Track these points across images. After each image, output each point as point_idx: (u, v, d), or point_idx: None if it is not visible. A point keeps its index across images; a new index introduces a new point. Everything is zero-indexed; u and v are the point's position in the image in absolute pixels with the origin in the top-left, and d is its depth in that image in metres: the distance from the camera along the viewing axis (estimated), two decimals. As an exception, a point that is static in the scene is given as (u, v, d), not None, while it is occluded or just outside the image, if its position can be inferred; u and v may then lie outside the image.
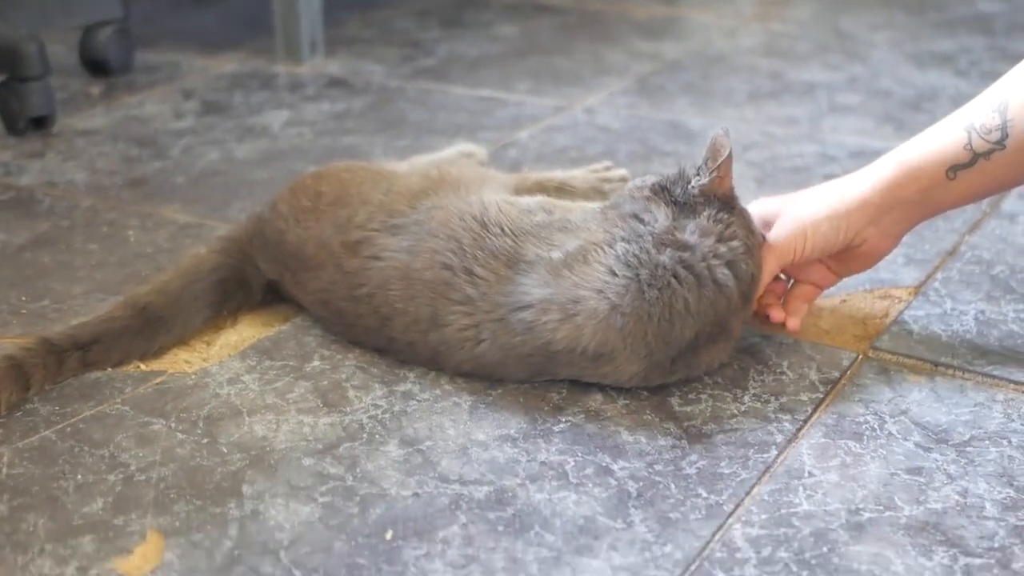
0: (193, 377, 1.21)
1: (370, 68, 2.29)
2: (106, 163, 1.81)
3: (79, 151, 1.86)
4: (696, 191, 1.16)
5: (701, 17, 2.66)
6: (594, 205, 1.24)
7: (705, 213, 1.15)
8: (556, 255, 1.15)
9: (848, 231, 1.19)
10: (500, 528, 0.98)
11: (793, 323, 1.24)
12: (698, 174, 1.17)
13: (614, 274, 1.12)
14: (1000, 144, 1.13)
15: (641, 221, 1.15)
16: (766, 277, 1.20)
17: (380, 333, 1.21)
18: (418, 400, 1.16)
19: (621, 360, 1.12)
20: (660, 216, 1.15)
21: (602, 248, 1.14)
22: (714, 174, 1.16)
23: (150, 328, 1.25)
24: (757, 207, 1.25)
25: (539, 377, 1.17)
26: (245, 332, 1.30)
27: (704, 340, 1.14)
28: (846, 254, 1.22)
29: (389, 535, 0.98)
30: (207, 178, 1.75)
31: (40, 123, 1.94)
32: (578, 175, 1.50)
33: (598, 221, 1.18)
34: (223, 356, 1.25)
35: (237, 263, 1.32)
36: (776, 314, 1.24)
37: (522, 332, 1.13)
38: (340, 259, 1.23)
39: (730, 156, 1.16)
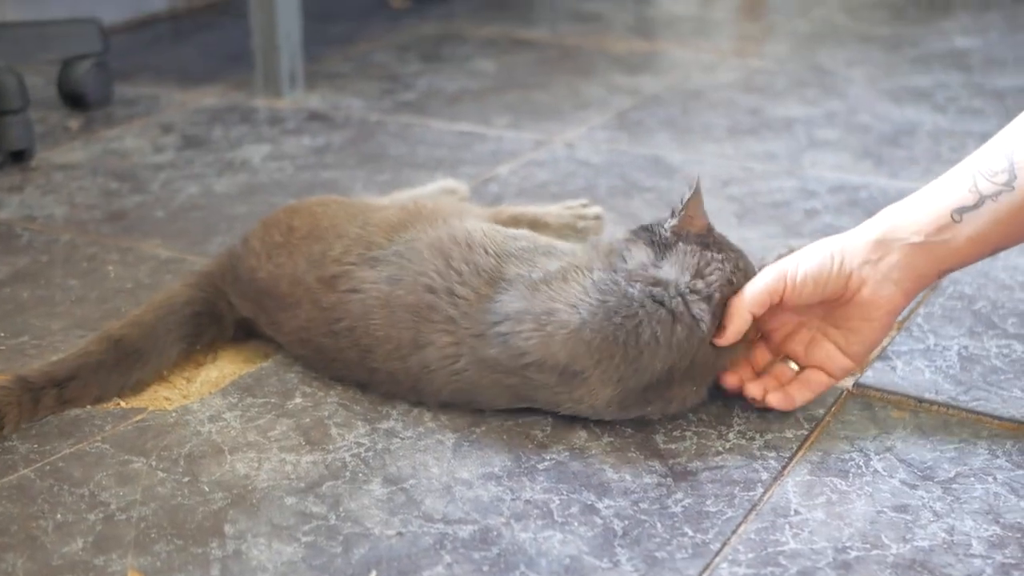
0: (174, 415, 1.20)
1: (349, 102, 2.29)
2: (85, 197, 1.80)
3: (58, 185, 1.86)
4: (668, 232, 1.16)
5: (679, 52, 2.67)
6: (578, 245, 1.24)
7: (682, 250, 1.15)
8: (536, 274, 1.16)
9: (844, 264, 1.14)
10: (485, 568, 0.97)
11: (783, 400, 1.18)
12: (672, 215, 1.17)
13: (588, 294, 1.13)
14: (1008, 186, 1.09)
15: (621, 258, 1.16)
16: (737, 317, 1.15)
17: (361, 365, 1.20)
18: (401, 438, 1.16)
19: (594, 381, 1.12)
20: (638, 255, 1.16)
21: (581, 271, 1.15)
22: (682, 213, 1.16)
23: (126, 361, 1.24)
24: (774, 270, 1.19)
25: (518, 403, 1.17)
26: (226, 368, 1.29)
27: (679, 375, 1.14)
28: (846, 309, 1.16)
29: (373, 575, 0.97)
30: (187, 212, 1.74)
31: (19, 157, 1.93)
32: (553, 211, 1.51)
33: (583, 250, 1.19)
34: (204, 393, 1.24)
35: (210, 297, 1.32)
36: (743, 386, 1.20)
37: (498, 345, 1.13)
38: (317, 295, 1.22)
39: (697, 193, 1.16)
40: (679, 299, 1.12)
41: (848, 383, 1.24)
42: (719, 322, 1.14)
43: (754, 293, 1.15)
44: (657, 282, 1.13)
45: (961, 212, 1.11)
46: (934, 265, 1.14)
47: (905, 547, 0.99)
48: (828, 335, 1.18)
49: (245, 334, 1.33)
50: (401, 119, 2.18)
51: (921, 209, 1.14)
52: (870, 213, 1.19)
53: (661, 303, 1.12)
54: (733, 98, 2.30)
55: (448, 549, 1.00)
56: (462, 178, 1.76)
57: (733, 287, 1.15)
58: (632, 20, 2.98)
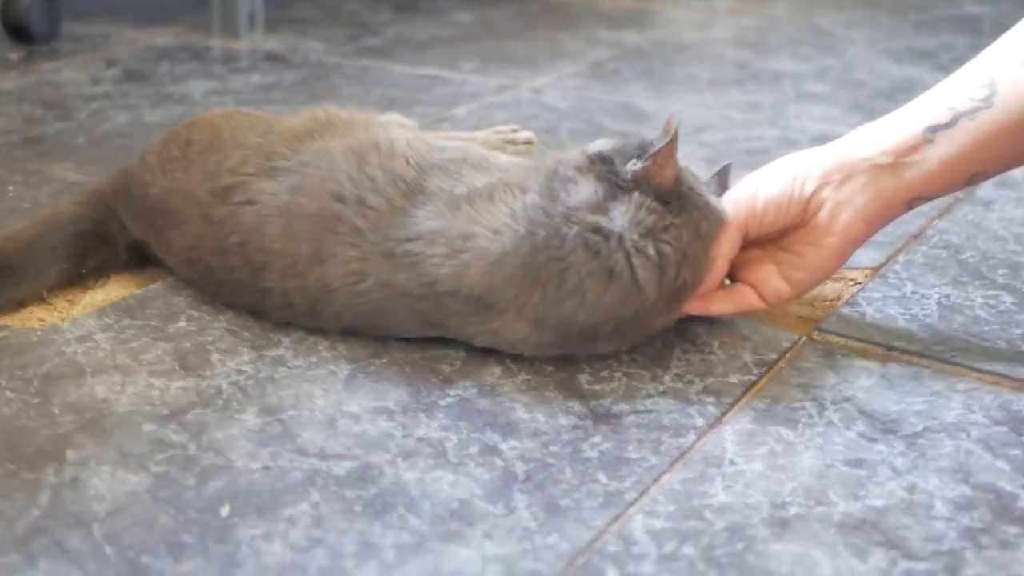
0: (39, 334, 1.06)
1: (311, 45, 2.15)
2: (5, 122, 1.65)
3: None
4: (627, 175, 0.99)
5: (671, 11, 2.51)
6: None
7: (637, 201, 0.99)
8: (460, 189, 1.01)
9: (805, 186, 1.00)
10: (357, 509, 0.83)
11: (699, 305, 1.04)
12: (638, 157, 1.00)
13: (515, 219, 0.97)
14: (986, 102, 0.95)
15: (563, 187, 1.00)
16: (721, 258, 1.03)
17: (253, 286, 1.05)
18: (289, 367, 1.01)
19: (511, 315, 0.97)
20: (584, 189, 0.99)
21: (513, 191, 1.00)
22: (649, 161, 0.98)
23: (-3, 275, 1.10)
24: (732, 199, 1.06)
25: (429, 331, 1.02)
26: (114, 292, 1.15)
27: (606, 332, 0.99)
28: (798, 232, 1.03)
29: (225, 511, 0.82)
30: (109, 140, 1.59)
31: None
32: (480, 136, 1.37)
33: (521, 167, 1.04)
34: (82, 315, 1.09)
35: (100, 216, 1.17)
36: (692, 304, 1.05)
37: (407, 267, 0.98)
38: (207, 209, 1.08)
39: (673, 142, 0.98)
40: (621, 256, 0.97)
41: (809, 329, 1.08)
42: (671, 298, 0.99)
43: (727, 237, 1.02)
44: (598, 229, 0.97)
45: (934, 130, 0.97)
46: (903, 191, 1.00)
47: (855, 505, 0.84)
48: (772, 256, 1.05)
49: (140, 260, 1.18)
50: (361, 63, 2.03)
51: (890, 127, 1.00)
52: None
53: (597, 254, 0.96)
54: (721, 52, 2.15)
55: (318, 486, 0.85)
56: (415, 118, 1.60)
57: (686, 258, 0.99)
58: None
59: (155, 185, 1.13)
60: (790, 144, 1.59)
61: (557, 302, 0.96)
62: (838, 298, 1.13)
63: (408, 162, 1.03)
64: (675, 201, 0.99)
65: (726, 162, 1.08)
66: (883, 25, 2.36)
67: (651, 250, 0.97)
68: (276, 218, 1.04)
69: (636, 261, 0.96)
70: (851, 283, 1.16)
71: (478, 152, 1.08)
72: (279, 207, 1.04)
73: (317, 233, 1.02)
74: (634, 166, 0.99)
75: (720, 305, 1.05)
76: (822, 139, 1.53)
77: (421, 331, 1.03)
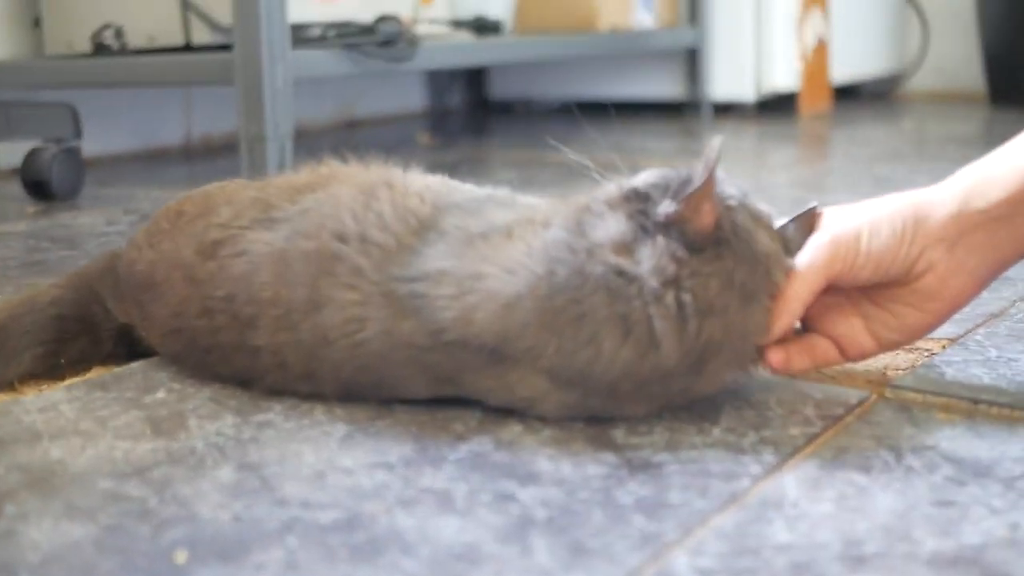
0: (-3, 406, 0.93)
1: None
2: (6, 252, 1.56)
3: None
4: (660, 217, 0.85)
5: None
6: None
7: (663, 246, 0.84)
8: (477, 227, 0.88)
9: (915, 243, 0.87)
10: (342, 554, 0.68)
11: (779, 359, 0.89)
12: (673, 196, 0.86)
13: (531, 256, 0.84)
14: None
15: (591, 221, 0.86)
16: (796, 301, 0.87)
17: (242, 348, 0.92)
18: (277, 429, 0.87)
19: (526, 367, 0.84)
20: (610, 227, 0.85)
21: (535, 227, 0.87)
22: (681, 204, 0.84)
23: (-39, 355, 0.97)
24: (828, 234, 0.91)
25: (441, 389, 0.88)
26: (90, 376, 1.02)
27: (627, 390, 0.85)
28: (897, 291, 0.89)
29: (182, 558, 0.68)
30: (117, 263, 1.48)
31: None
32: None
33: (552, 205, 0.91)
34: (49, 390, 0.97)
35: (83, 300, 1.05)
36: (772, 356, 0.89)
37: (412, 312, 0.85)
38: (192, 269, 0.96)
39: (709, 183, 0.83)
40: (639, 304, 0.82)
41: (881, 389, 0.94)
42: (695, 357, 0.84)
43: (808, 280, 0.87)
44: (621, 272, 0.83)
45: None
46: (1019, 243, 0.86)
47: (947, 542, 0.68)
48: (859, 308, 0.90)
49: (126, 351, 1.05)
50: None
51: (1004, 172, 0.86)
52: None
53: (615, 299, 0.83)
54: (776, 192, 2.03)
55: (297, 533, 0.71)
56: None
57: (712, 312, 0.84)
58: (676, 150, 2.74)
59: (141, 260, 1.02)
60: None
61: (572, 352, 0.83)
62: (913, 367, 0.98)
63: (423, 200, 0.92)
64: (712, 247, 0.85)
65: (812, 204, 0.93)
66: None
67: (670, 299, 0.82)
68: (268, 264, 0.92)
69: (653, 311, 0.82)
70: (926, 353, 1.02)
71: (506, 192, 0.96)
72: (272, 253, 0.92)
73: (313, 276, 0.89)
74: (667, 208, 0.85)
75: (799, 360, 0.90)
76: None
77: (431, 390, 0.89)
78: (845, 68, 3.46)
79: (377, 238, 0.89)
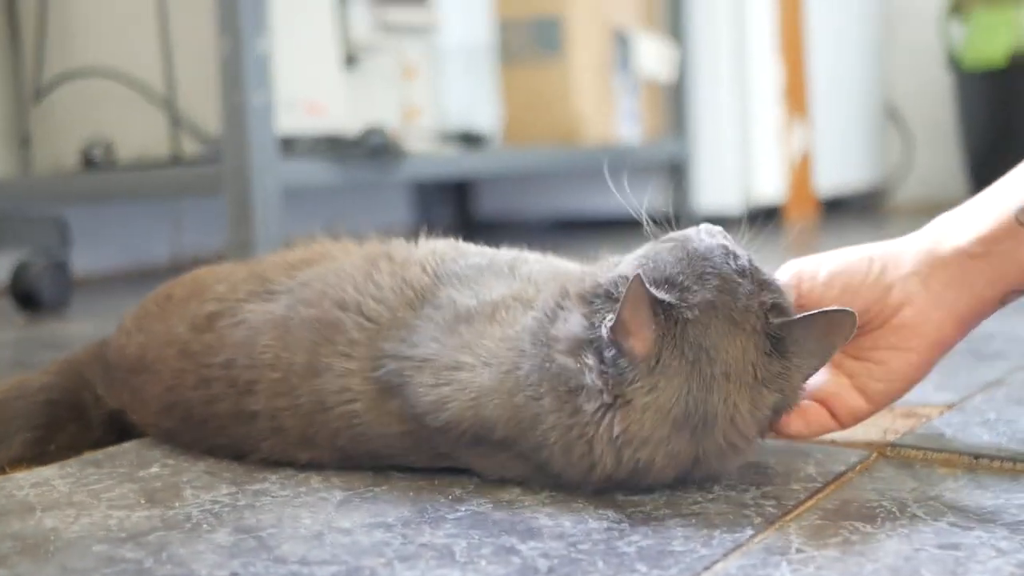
0: (-11, 483, 0.92)
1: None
2: (-1, 355, 1.55)
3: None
4: (606, 330, 0.78)
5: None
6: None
7: (609, 360, 0.78)
8: (466, 303, 0.87)
9: (885, 273, 0.87)
10: (342, 604, 0.67)
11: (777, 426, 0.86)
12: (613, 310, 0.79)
13: (504, 348, 0.83)
14: None
15: (562, 313, 0.82)
16: None
17: (239, 415, 0.92)
18: (273, 496, 0.86)
19: (506, 455, 0.84)
20: (571, 323, 0.81)
21: (519, 308, 0.85)
22: (610, 321, 0.78)
23: (-50, 437, 0.96)
24: (792, 269, 0.91)
25: (437, 461, 0.87)
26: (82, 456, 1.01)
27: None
28: (875, 335, 0.88)
29: (178, 611, 0.67)
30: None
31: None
32: None
33: (549, 277, 0.89)
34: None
35: (73, 387, 1.05)
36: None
37: (397, 391, 0.84)
38: (187, 344, 0.96)
39: (629, 308, 0.77)
40: (580, 420, 0.79)
41: (882, 448, 0.93)
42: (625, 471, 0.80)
43: None
44: (569, 376, 0.80)
45: None
46: (998, 284, 0.86)
47: (956, 581, 0.67)
48: (842, 367, 0.89)
49: (116, 437, 1.04)
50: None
51: (980, 213, 0.87)
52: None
53: (563, 407, 0.80)
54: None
55: (295, 587, 0.69)
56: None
57: (646, 444, 0.79)
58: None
59: (131, 344, 1.02)
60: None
61: (535, 450, 0.82)
62: (911, 430, 0.98)
63: (424, 270, 0.91)
64: (663, 364, 0.78)
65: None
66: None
67: (604, 426, 0.78)
68: (269, 329, 0.91)
69: (591, 431, 0.79)
70: (925, 418, 1.01)
71: (509, 257, 0.93)
72: (273, 320, 0.92)
73: (315, 342, 0.89)
74: (609, 322, 0.78)
75: (796, 425, 0.88)
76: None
77: (428, 462, 0.88)
78: (830, 179, 3.49)
79: (373, 311, 0.88)
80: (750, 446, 0.81)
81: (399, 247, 0.95)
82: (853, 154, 3.69)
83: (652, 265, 0.81)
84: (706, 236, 0.82)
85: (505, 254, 0.94)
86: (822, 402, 0.88)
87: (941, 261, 0.86)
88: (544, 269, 0.92)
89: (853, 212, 3.79)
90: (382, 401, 0.85)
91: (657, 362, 0.78)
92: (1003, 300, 0.87)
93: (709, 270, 0.80)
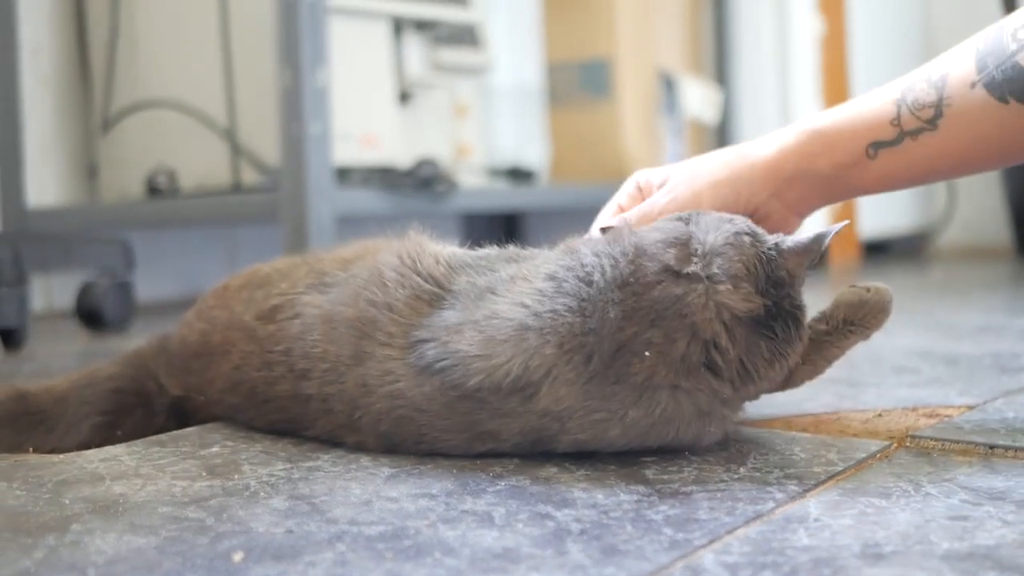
0: (61, 457, 0.98)
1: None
2: (67, 363, 1.62)
3: (40, 353, 1.68)
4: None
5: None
6: None
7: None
8: (484, 281, 0.93)
9: (751, 199, 1.00)
10: (388, 555, 0.73)
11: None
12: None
13: (541, 291, 0.90)
14: (931, 124, 0.95)
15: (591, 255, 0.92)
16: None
17: (295, 397, 0.98)
18: (325, 472, 0.92)
19: (549, 387, 0.89)
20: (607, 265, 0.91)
21: (537, 273, 0.93)
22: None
23: (26, 419, 1.05)
24: (637, 177, 1.07)
25: (476, 443, 0.93)
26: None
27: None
28: None
29: (238, 557, 0.73)
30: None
31: (9, 339, 1.76)
32: None
33: (550, 254, 0.97)
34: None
35: (138, 376, 1.12)
36: None
37: (436, 371, 0.90)
38: (254, 331, 1.02)
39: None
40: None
41: (901, 440, 0.98)
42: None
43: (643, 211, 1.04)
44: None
45: (877, 147, 0.97)
46: (837, 195, 1.03)
47: (961, 544, 0.72)
48: None
49: (179, 424, 1.11)
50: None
51: (839, 137, 0.99)
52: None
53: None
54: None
55: (346, 542, 0.75)
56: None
57: None
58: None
59: (192, 333, 1.09)
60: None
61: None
62: (931, 427, 1.03)
63: (438, 260, 0.98)
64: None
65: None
66: (974, 312, 2.30)
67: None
68: (319, 325, 0.98)
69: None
70: (946, 418, 1.06)
71: (514, 249, 1.01)
72: (321, 315, 0.98)
73: (356, 337, 0.95)
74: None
75: None
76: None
77: (469, 444, 0.94)
78: (873, 223, 3.53)
79: (401, 308, 0.94)
80: None
81: (416, 240, 1.01)
82: (898, 198, 3.73)
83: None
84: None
85: (511, 247, 1.00)
86: None
87: (798, 179, 1.00)
88: (545, 253, 0.98)
89: (897, 256, 3.82)
90: (423, 379, 0.91)
91: None
92: (852, 196, 1.02)
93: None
